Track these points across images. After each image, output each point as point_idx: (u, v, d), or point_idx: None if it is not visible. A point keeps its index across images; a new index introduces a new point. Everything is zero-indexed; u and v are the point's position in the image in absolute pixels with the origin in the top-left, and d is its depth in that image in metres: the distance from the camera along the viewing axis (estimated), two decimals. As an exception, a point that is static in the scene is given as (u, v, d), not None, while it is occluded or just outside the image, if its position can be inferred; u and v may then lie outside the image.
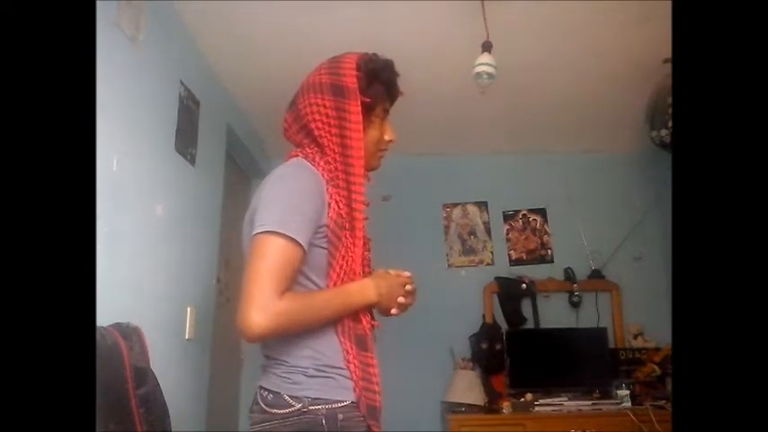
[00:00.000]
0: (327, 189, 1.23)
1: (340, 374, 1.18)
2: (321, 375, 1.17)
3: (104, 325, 1.48)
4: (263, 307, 1.08)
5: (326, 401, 1.14)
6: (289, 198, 1.19)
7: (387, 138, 1.37)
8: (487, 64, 2.13)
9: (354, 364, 1.19)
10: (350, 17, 2.25)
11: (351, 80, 1.26)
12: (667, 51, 2.37)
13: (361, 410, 1.17)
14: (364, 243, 1.29)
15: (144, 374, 1.49)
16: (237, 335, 1.11)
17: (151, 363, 1.59)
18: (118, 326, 1.52)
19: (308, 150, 1.29)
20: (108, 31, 1.71)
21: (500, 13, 2.16)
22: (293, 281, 1.15)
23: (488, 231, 3.72)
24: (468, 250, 3.70)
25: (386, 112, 1.36)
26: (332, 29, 2.32)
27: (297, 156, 1.30)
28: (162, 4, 2.09)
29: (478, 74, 2.15)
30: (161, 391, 1.54)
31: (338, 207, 1.23)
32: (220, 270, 2.83)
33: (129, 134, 1.85)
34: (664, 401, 3.07)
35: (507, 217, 3.73)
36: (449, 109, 3.07)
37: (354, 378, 1.18)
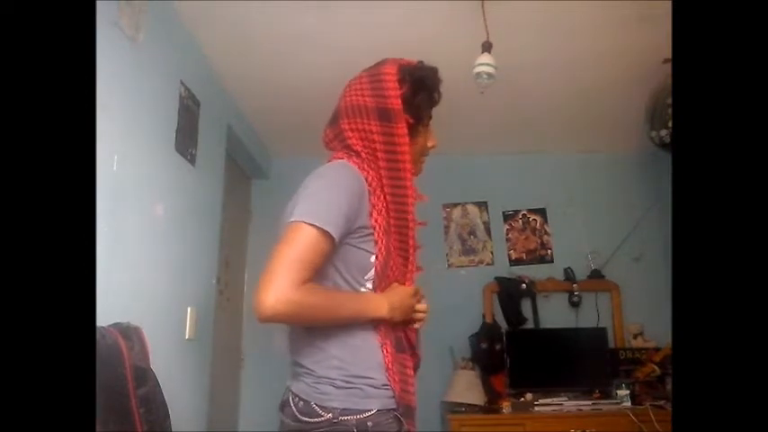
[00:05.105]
0: (371, 195, 1.24)
1: (367, 384, 1.20)
2: (349, 386, 1.19)
3: (104, 325, 1.48)
4: (278, 292, 1.08)
5: (355, 412, 1.17)
6: (326, 192, 1.21)
7: (429, 144, 1.42)
8: (487, 64, 2.13)
9: (393, 369, 1.22)
10: (350, 17, 2.25)
11: (395, 102, 1.26)
12: (667, 51, 2.37)
13: (398, 410, 1.20)
14: (414, 249, 1.32)
15: (144, 374, 1.49)
16: (254, 315, 1.12)
17: (151, 363, 1.59)
18: (118, 326, 1.52)
19: (356, 160, 1.29)
20: (108, 31, 1.71)
21: (500, 13, 2.16)
22: (317, 270, 1.15)
23: (488, 231, 3.72)
24: (468, 250, 3.70)
25: (429, 118, 1.40)
26: (332, 29, 2.32)
27: (342, 158, 1.30)
28: (162, 4, 2.09)
29: (478, 74, 2.15)
30: (161, 391, 1.54)
31: (385, 213, 1.26)
32: (220, 270, 2.83)
33: (129, 134, 1.85)
34: (664, 401, 3.07)
35: (507, 217, 3.73)
36: (448, 109, 3.04)
37: (393, 382, 1.21)
